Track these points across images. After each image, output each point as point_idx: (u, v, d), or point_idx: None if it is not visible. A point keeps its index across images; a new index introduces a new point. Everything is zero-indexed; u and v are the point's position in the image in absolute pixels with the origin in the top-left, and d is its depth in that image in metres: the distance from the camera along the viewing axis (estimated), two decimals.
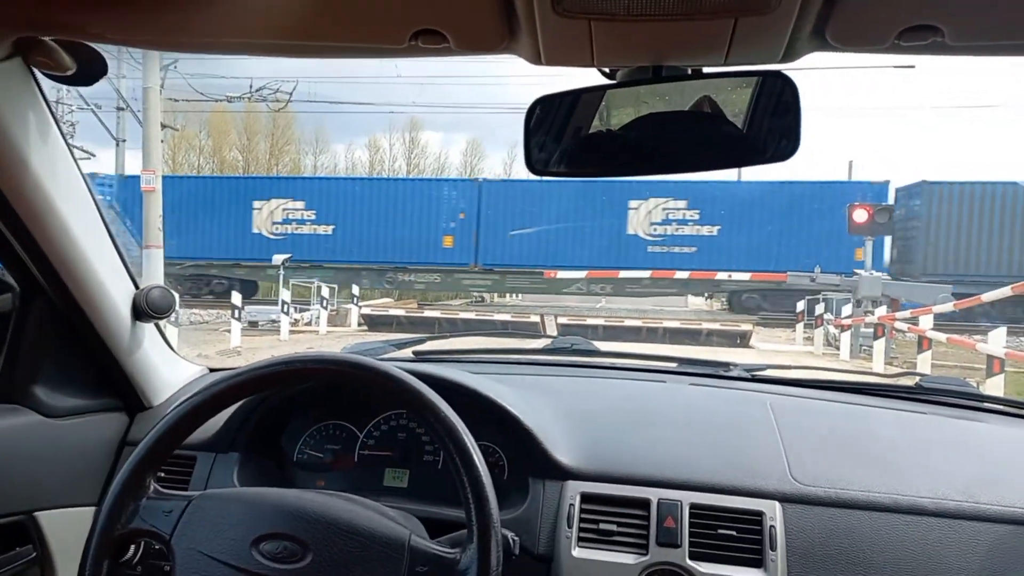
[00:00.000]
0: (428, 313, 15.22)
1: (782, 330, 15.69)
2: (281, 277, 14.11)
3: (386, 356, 1.72)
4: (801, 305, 13.72)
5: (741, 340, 12.71)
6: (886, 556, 1.10)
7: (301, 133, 34.61)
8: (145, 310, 1.33)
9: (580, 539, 1.16)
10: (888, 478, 1.19)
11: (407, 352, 1.75)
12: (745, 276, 17.26)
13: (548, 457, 1.24)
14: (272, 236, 19.24)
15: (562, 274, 18.03)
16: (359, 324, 14.67)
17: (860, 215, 11.45)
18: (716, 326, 13.60)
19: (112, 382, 1.39)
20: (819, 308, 12.55)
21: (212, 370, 1.64)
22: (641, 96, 0.89)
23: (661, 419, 1.37)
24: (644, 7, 0.71)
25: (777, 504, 1.15)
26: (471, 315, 14.96)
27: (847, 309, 11.56)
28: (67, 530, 1.27)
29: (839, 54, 0.80)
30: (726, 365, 1.66)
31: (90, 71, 0.99)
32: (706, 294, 21.33)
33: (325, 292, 14.34)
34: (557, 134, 0.94)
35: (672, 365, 1.72)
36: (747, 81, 0.86)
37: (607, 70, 0.89)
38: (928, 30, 0.71)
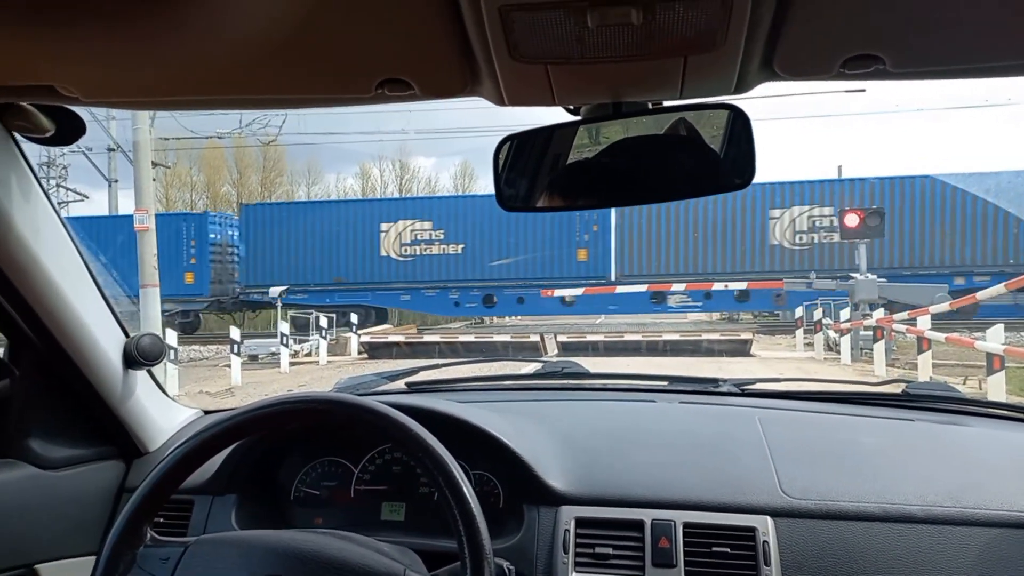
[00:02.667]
0: (428, 338, 15.20)
1: (782, 336, 15.70)
2: (279, 309, 14.10)
3: (379, 389, 1.74)
4: (799, 311, 13.75)
5: (742, 349, 12.71)
6: (879, 565, 1.11)
7: (293, 165, 34.83)
8: (136, 358, 1.35)
9: (577, 564, 1.17)
10: (877, 487, 1.20)
11: (400, 384, 1.77)
12: (742, 285, 17.29)
13: (541, 483, 1.25)
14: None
15: (559, 292, 18.01)
16: (359, 352, 14.64)
17: (851, 220, 11.52)
18: (716, 336, 13.59)
19: (107, 430, 1.40)
20: (817, 314, 12.57)
21: (207, 412, 1.65)
22: (603, 131, 0.92)
23: (652, 439, 1.39)
24: (596, 51, 0.74)
25: (769, 519, 1.16)
26: (470, 337, 14.94)
27: (845, 313, 11.58)
28: None
29: (791, 83, 0.83)
30: (715, 381, 1.68)
31: (68, 132, 1.02)
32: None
33: (324, 322, 14.33)
34: (525, 171, 0.96)
35: (662, 383, 1.73)
36: (703, 114, 0.89)
37: (571, 107, 0.92)
38: (870, 59, 0.74)
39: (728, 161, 0.89)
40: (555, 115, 0.95)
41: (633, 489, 1.24)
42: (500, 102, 0.87)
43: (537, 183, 0.97)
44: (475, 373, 1.91)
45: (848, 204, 14.45)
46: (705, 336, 13.74)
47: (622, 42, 0.73)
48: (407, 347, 14.02)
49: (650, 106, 0.90)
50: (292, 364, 13.00)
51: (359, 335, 15.16)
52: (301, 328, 15.33)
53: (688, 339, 13.52)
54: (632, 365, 11.08)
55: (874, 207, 12.01)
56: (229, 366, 11.47)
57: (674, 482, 1.24)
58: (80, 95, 0.87)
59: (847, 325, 11.29)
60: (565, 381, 1.78)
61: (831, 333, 12.43)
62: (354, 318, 15.76)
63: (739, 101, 0.87)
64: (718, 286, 17.46)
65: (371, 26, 0.73)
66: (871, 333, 10.41)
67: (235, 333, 11.83)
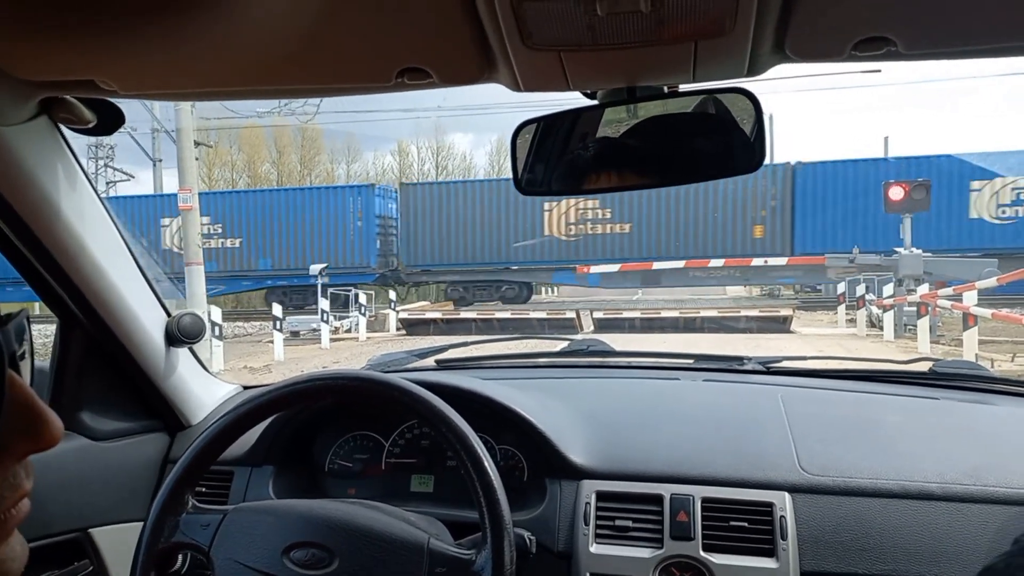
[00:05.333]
0: (464, 314, 15.32)
1: (823, 313, 15.42)
2: (319, 287, 14.34)
3: (409, 366, 1.78)
4: (842, 287, 13.47)
5: (782, 326, 12.52)
6: (896, 541, 1.11)
7: (332, 143, 35.13)
8: (177, 336, 1.41)
9: (597, 535, 1.20)
10: (896, 464, 1.21)
11: (429, 361, 1.81)
12: (782, 261, 16.97)
13: (563, 458, 1.29)
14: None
15: (595, 268, 17.91)
16: (397, 328, 14.85)
17: (896, 193, 11.21)
18: (755, 312, 13.39)
19: (152, 405, 1.47)
20: (860, 289, 12.29)
21: (246, 387, 1.72)
22: (620, 115, 0.93)
23: (672, 416, 1.41)
24: (607, 38, 0.76)
25: (787, 495, 1.18)
26: (506, 314, 15.00)
27: (888, 289, 11.32)
28: (119, 544, 1.35)
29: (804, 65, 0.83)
30: (740, 359, 1.69)
31: (109, 122, 1.08)
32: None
33: (363, 299, 14.55)
34: (542, 155, 0.99)
35: (687, 362, 1.74)
36: (717, 97, 0.90)
37: (587, 92, 0.94)
38: (881, 41, 0.75)
39: (740, 145, 0.90)
40: (575, 97, 0.97)
41: (653, 464, 1.27)
42: (516, 88, 0.89)
43: (555, 167, 0.99)
44: (503, 351, 1.94)
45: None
46: (744, 312, 13.56)
47: (632, 29, 0.74)
48: (444, 323, 14.17)
49: (665, 90, 0.91)
50: (332, 340, 13.25)
51: (397, 312, 15.35)
52: (341, 305, 15.54)
53: (726, 316, 13.37)
54: (668, 341, 11.03)
55: (920, 180, 11.65)
56: (272, 342, 11.76)
57: (693, 458, 1.27)
58: (118, 88, 0.92)
59: (890, 301, 11.04)
60: (590, 359, 1.81)
61: (874, 309, 12.17)
62: (392, 295, 15.85)
63: (753, 84, 0.88)
64: (757, 262, 17.13)
65: (390, 17, 0.76)
66: (915, 309, 10.17)
67: (277, 310, 12.10)
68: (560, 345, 1.91)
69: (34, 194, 1.09)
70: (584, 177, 0.97)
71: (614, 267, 17.79)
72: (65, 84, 0.94)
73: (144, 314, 1.35)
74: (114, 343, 1.33)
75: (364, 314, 14.47)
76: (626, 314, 14.07)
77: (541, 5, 0.70)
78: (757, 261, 17.05)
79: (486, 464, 1.00)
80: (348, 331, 14.85)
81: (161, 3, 0.73)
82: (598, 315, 13.75)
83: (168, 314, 1.42)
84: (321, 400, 1.28)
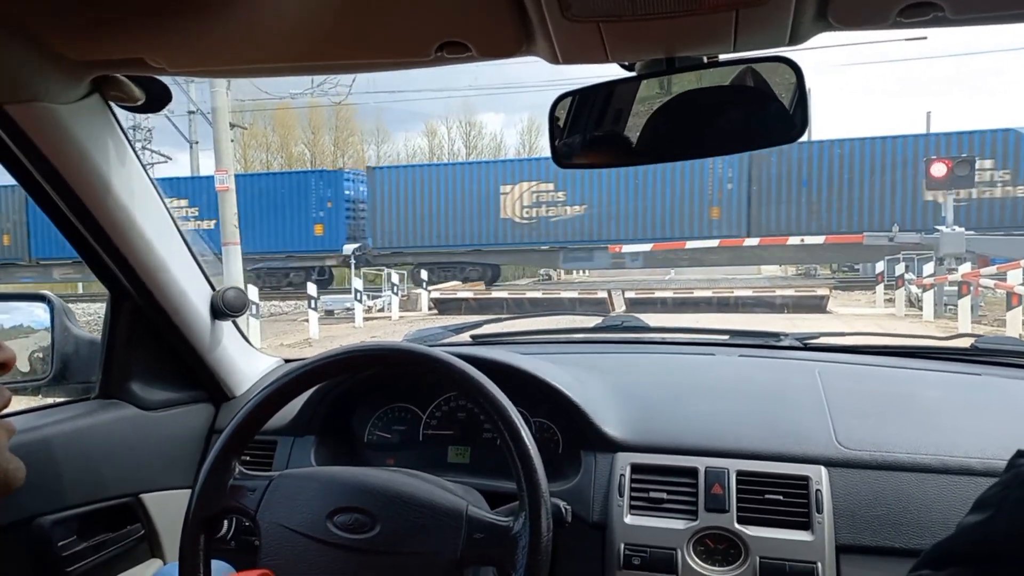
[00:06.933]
0: (495, 294, 15.35)
1: (861, 293, 15.14)
2: (352, 266, 14.50)
3: (445, 341, 1.81)
4: (880, 266, 13.20)
5: (818, 305, 12.33)
6: (934, 517, 1.11)
7: (363, 124, 35.29)
8: (222, 310, 1.45)
9: (632, 507, 1.22)
10: (935, 439, 1.19)
11: (465, 336, 1.83)
12: (819, 239, 16.67)
13: (598, 431, 1.30)
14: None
15: (627, 248, 17.80)
16: (429, 308, 14.97)
17: (939, 169, 10.91)
18: (791, 292, 13.19)
19: (197, 376, 1.52)
20: (899, 268, 12.03)
21: (287, 360, 1.77)
22: (658, 86, 0.93)
23: (708, 390, 1.41)
24: (647, 7, 0.76)
25: (823, 468, 1.18)
26: (538, 294, 15.01)
27: (928, 268, 11.06)
28: (168, 509, 1.41)
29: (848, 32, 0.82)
30: (776, 335, 1.68)
31: (157, 99, 1.11)
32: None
33: (395, 279, 14.68)
34: (580, 128, 0.99)
35: (723, 338, 1.74)
36: (758, 66, 0.89)
37: (624, 63, 0.94)
38: (928, 6, 0.73)
39: (783, 114, 0.89)
40: (610, 70, 0.97)
41: (688, 437, 1.27)
42: (555, 60, 0.89)
43: (593, 140, 0.99)
44: (538, 327, 1.95)
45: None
46: (779, 292, 13.37)
47: None
48: (475, 303, 14.24)
49: (705, 60, 0.91)
50: (366, 319, 13.42)
51: (429, 291, 15.48)
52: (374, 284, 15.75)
53: (761, 295, 13.20)
54: (701, 321, 10.94)
55: (964, 157, 11.31)
56: (307, 321, 11.95)
57: (728, 431, 1.27)
58: (166, 66, 0.95)
59: (930, 280, 10.79)
60: (624, 334, 1.81)
61: (913, 288, 11.91)
62: (424, 275, 16.04)
63: (795, 52, 0.87)
64: (793, 240, 16.85)
65: None
66: (956, 289, 9.93)
67: (312, 289, 12.28)
68: (594, 321, 1.92)
69: (87, 171, 1.12)
70: (620, 149, 0.97)
71: (646, 247, 17.68)
72: (116, 63, 0.97)
73: (191, 288, 1.39)
74: (162, 316, 1.38)
75: (396, 293, 14.61)
76: (658, 294, 13.97)
77: None
78: (793, 240, 16.77)
79: (524, 435, 1.01)
80: (381, 310, 15.02)
81: None
82: (630, 295, 13.69)
83: (213, 288, 1.46)
84: (362, 370, 1.31)
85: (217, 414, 1.56)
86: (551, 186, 18.59)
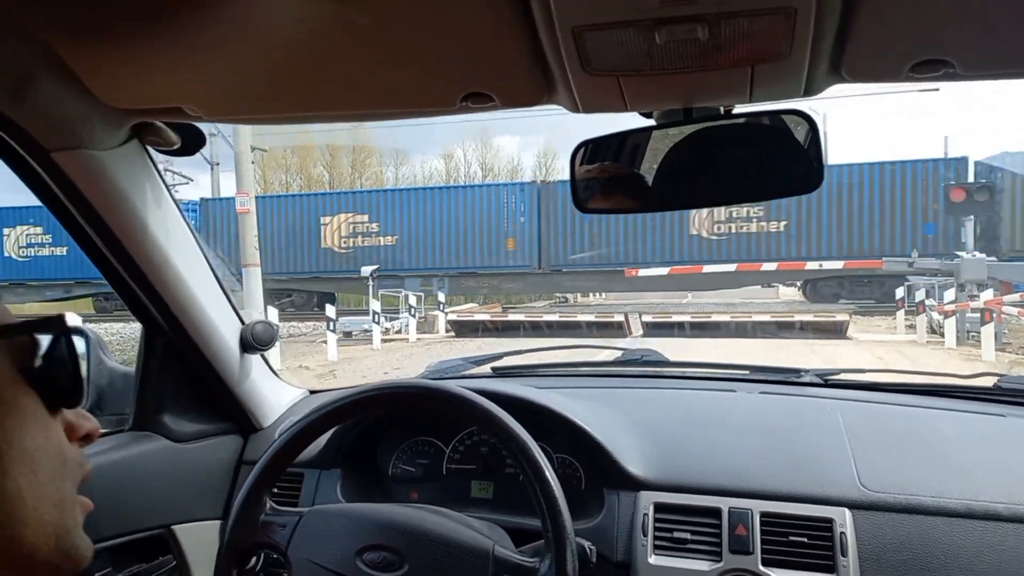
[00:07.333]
0: (512, 316, 15.36)
1: (881, 318, 14.95)
2: (370, 288, 14.59)
3: (466, 373, 1.83)
4: (900, 292, 13.06)
5: (838, 331, 12.18)
6: (960, 562, 1.09)
7: (381, 146, 35.69)
8: (251, 343, 1.49)
9: (656, 547, 1.21)
10: (960, 483, 1.18)
11: (486, 368, 1.85)
12: (838, 264, 16.54)
13: (620, 469, 1.30)
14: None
15: (643, 272, 17.79)
16: (446, 330, 15.00)
17: (958, 195, 10.83)
18: (810, 317, 13.03)
19: (226, 408, 1.55)
20: (919, 294, 11.88)
21: (312, 392, 1.80)
22: (676, 135, 0.96)
23: (729, 428, 1.41)
24: (665, 63, 0.79)
25: (847, 511, 1.17)
26: (555, 316, 14.99)
27: (950, 294, 10.92)
28: (199, 541, 1.43)
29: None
30: (797, 371, 1.68)
31: (192, 143, 1.16)
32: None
33: (412, 300, 14.74)
34: (598, 174, 1.02)
35: (743, 373, 1.74)
36: (774, 118, 0.91)
37: (643, 112, 0.97)
38: (939, 63, 0.76)
39: (795, 163, 0.92)
40: (630, 116, 1.00)
41: (711, 477, 1.27)
42: (575, 109, 0.93)
43: (612, 186, 1.02)
44: (558, 358, 1.97)
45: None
46: (798, 317, 13.24)
47: (690, 54, 0.77)
48: (492, 325, 14.25)
49: (722, 111, 0.94)
50: (383, 341, 13.45)
51: (447, 313, 15.51)
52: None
53: (780, 320, 13.07)
54: (720, 347, 10.86)
55: (981, 182, 11.22)
56: (325, 342, 12.00)
57: (751, 471, 1.27)
58: (203, 115, 1.00)
59: (952, 307, 10.65)
60: (644, 368, 1.82)
61: (935, 315, 11.75)
62: (441, 296, 16.09)
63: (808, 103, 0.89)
64: (811, 266, 16.74)
65: (458, 48, 0.81)
66: (979, 316, 9.79)
67: (331, 311, 12.34)
68: (614, 353, 1.93)
69: (126, 212, 1.17)
70: (639, 195, 1.00)
71: (663, 270, 17.65)
72: (155, 111, 1.02)
73: (221, 322, 1.43)
74: (193, 350, 1.41)
75: (414, 315, 14.66)
76: (675, 317, 13.88)
77: (600, 34, 0.74)
78: (811, 265, 16.67)
79: (548, 475, 1.02)
80: (399, 332, 15.06)
81: (243, 41, 0.80)
82: (647, 318, 13.62)
83: (242, 322, 1.50)
84: (389, 408, 1.33)
85: (245, 445, 1.58)
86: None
